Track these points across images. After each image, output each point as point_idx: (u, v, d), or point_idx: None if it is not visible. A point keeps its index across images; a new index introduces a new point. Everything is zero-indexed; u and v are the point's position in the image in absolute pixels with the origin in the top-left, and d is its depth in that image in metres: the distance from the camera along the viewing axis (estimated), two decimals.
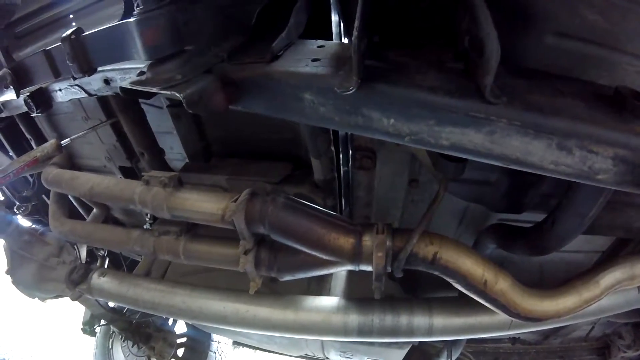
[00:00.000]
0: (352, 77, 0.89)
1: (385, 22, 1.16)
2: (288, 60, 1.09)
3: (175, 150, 2.16)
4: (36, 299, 2.20)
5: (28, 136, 2.41)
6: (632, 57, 1.03)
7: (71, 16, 2.11)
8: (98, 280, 1.85)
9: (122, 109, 1.93)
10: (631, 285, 1.38)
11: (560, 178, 0.91)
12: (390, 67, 1.00)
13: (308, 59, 1.07)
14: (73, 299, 2.00)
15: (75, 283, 1.92)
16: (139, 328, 3.18)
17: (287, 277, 1.39)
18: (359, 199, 1.71)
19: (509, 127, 0.85)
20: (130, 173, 2.33)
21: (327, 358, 2.21)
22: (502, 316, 1.33)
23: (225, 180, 1.83)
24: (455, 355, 2.12)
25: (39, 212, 2.74)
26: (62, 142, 2.02)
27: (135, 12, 1.13)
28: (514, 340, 2.92)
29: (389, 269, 1.26)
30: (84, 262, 2.14)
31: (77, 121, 2.23)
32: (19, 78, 1.79)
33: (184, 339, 3.59)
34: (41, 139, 2.38)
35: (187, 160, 2.09)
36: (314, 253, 1.28)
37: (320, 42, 1.19)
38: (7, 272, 2.12)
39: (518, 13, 1.00)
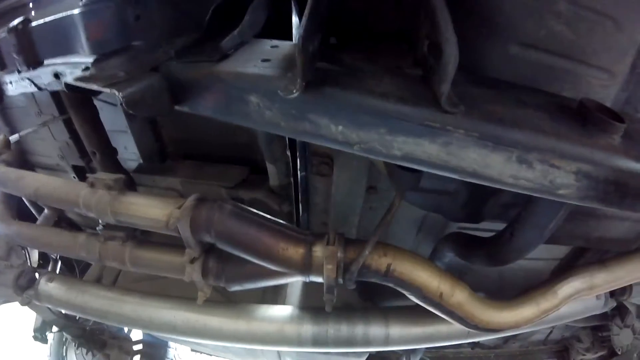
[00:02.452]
0: (296, 80, 0.81)
1: (343, 23, 1.09)
2: (237, 61, 1.02)
3: (129, 150, 2.03)
4: None
5: None
6: (597, 70, 0.99)
7: (30, 5, 1.99)
8: (46, 285, 1.71)
9: (74, 105, 1.79)
10: (590, 295, 1.34)
11: (520, 192, 0.83)
12: (343, 70, 0.93)
13: (258, 59, 0.99)
14: (22, 304, 1.85)
15: (23, 288, 1.77)
16: (93, 335, 3.02)
17: (236, 288, 1.31)
18: (316, 206, 1.64)
19: (466, 138, 0.78)
20: (83, 173, 2.18)
21: None
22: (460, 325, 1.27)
23: (179, 182, 1.75)
24: None
25: None
26: (10, 137, 1.86)
27: (82, 2, 1.09)
28: (473, 344, 2.91)
29: (341, 281, 1.18)
30: (35, 265, 1.99)
31: (30, 116, 2.08)
32: None
33: (140, 346, 3.45)
34: None
35: (141, 161, 1.98)
36: (262, 264, 1.19)
37: (275, 42, 1.11)
38: None
39: (483, 21, 0.95)
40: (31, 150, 2.31)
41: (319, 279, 1.18)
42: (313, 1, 0.77)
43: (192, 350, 2.87)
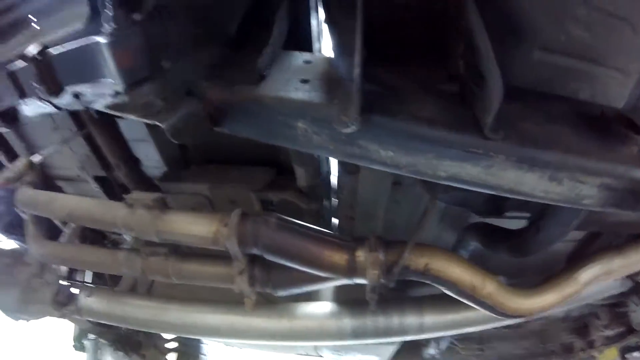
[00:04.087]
0: (351, 113, 0.89)
1: (371, 35, 1.16)
2: (276, 81, 1.08)
3: (151, 158, 2.06)
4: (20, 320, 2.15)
5: None
6: (613, 70, 1.06)
7: (30, 16, 2.01)
8: (85, 300, 1.83)
9: (93, 120, 1.85)
10: (608, 280, 1.47)
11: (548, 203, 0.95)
12: (386, 92, 1.01)
13: (297, 79, 1.06)
14: (60, 317, 1.96)
15: (62, 304, 1.88)
16: (129, 337, 3.14)
17: (282, 293, 1.41)
18: (343, 201, 1.73)
19: (505, 162, 0.89)
20: (105, 182, 2.23)
21: (320, 356, 2.27)
22: None
23: (207, 188, 1.78)
24: (443, 344, 2.20)
25: (14, 228, 2.64)
26: (33, 159, 1.91)
27: (107, 30, 1.08)
28: None
29: (383, 282, 1.29)
30: (67, 278, 2.09)
31: (46, 130, 2.11)
32: None
33: (175, 344, 3.55)
34: (8, 150, 2.28)
35: (164, 169, 2.02)
36: (308, 271, 1.30)
37: (307, 57, 1.18)
38: None
39: (509, 29, 1.01)
40: (49, 163, 2.33)
41: (363, 281, 1.29)
42: (360, 34, 0.86)
43: (226, 345, 3.00)
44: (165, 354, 3.43)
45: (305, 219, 1.45)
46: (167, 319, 1.67)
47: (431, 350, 2.02)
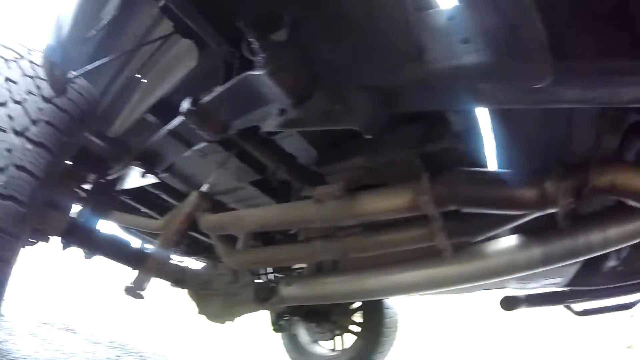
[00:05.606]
0: (544, 67, 0.95)
1: None
2: (437, 50, 1.09)
3: (300, 148, 2.11)
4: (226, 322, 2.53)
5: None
6: None
7: (138, 75, 2.24)
8: (287, 290, 2.13)
9: (244, 138, 1.94)
10: None
11: None
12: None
13: (456, 41, 1.05)
14: (264, 310, 2.30)
15: (265, 299, 2.20)
16: (318, 309, 3.53)
17: (479, 238, 1.60)
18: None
19: None
20: (263, 184, 2.37)
21: (504, 287, 2.46)
22: None
23: (365, 159, 1.85)
24: (623, 253, 2.23)
25: (190, 247, 3.04)
26: (202, 189, 2.17)
27: (259, 61, 1.16)
28: None
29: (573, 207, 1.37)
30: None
31: (195, 161, 2.25)
32: (149, 162, 2.02)
33: (359, 304, 3.86)
34: (169, 189, 2.60)
35: (314, 155, 2.10)
36: (503, 212, 1.47)
37: (447, 13, 1.09)
38: (200, 313, 2.45)
39: None
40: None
41: (555, 210, 1.38)
42: None
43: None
44: (352, 315, 3.80)
45: (465, 164, 1.58)
46: (368, 287, 1.90)
47: (611, 262, 2.09)
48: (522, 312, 2.60)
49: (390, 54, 1.19)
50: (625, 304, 2.54)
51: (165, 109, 2.18)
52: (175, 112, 2.09)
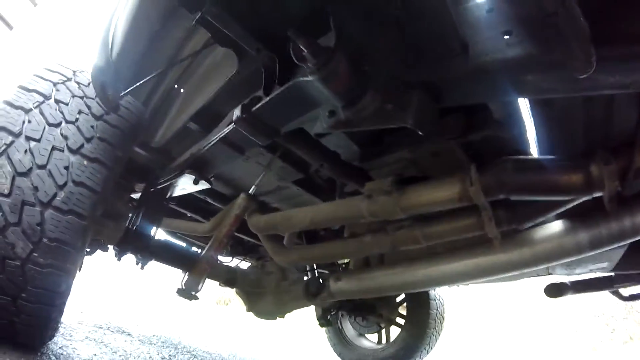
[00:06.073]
0: (586, 58, 0.98)
1: None
2: (480, 44, 1.12)
3: (342, 145, 2.07)
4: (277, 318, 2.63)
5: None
6: None
7: (176, 86, 2.33)
8: (336, 285, 2.21)
9: (290, 139, 1.96)
10: None
11: None
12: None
13: (497, 33, 1.07)
14: (313, 305, 2.38)
15: (315, 295, 2.29)
16: (364, 303, 3.62)
17: (528, 224, 1.64)
18: None
19: None
20: (306, 183, 2.43)
21: (550, 274, 2.49)
22: None
23: (408, 152, 1.85)
24: None
25: (235, 247, 3.16)
26: (250, 191, 2.26)
27: (309, 67, 1.19)
28: None
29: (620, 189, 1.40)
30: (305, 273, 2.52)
31: (239, 165, 2.29)
32: (200, 169, 2.08)
33: (403, 296, 3.98)
34: (215, 194, 2.70)
35: (356, 151, 2.07)
36: (550, 199, 1.51)
37: (486, 5, 1.08)
38: (248, 310, 2.56)
39: None
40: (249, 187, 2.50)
41: (601, 194, 1.42)
42: None
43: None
44: (398, 308, 3.87)
45: (507, 151, 1.60)
46: (417, 278, 1.96)
47: None
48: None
49: (435, 49, 1.24)
50: None
51: (206, 116, 2.30)
52: (217, 119, 2.21)
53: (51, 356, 1.79)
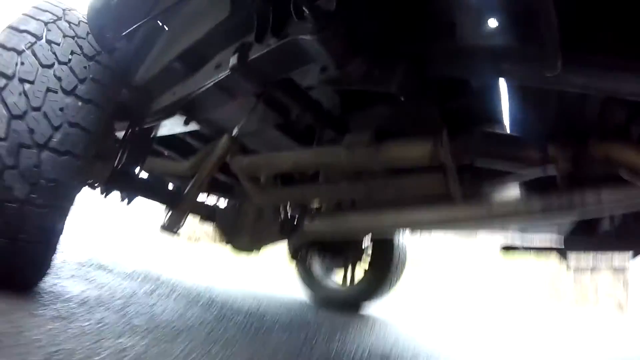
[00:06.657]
0: (554, 60, 1.08)
1: None
2: (466, 27, 1.21)
3: (324, 94, 2.15)
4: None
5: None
6: None
7: (160, 24, 2.30)
8: (311, 225, 2.36)
9: (277, 86, 1.94)
10: None
11: None
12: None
13: (485, 19, 1.16)
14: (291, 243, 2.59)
15: (289, 231, 2.46)
16: (332, 244, 3.74)
17: (488, 189, 1.83)
18: None
19: None
20: (286, 128, 2.38)
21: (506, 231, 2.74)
22: None
23: (388, 109, 1.94)
24: (617, 221, 2.36)
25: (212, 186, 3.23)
26: (233, 133, 2.25)
27: (309, 27, 1.26)
28: None
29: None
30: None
31: (220, 101, 2.22)
32: (192, 110, 2.12)
33: (368, 242, 4.14)
34: (201, 137, 2.76)
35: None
36: (511, 169, 1.69)
37: None
38: (226, 244, 2.72)
39: None
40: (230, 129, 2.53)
41: (555, 173, 1.57)
42: None
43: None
44: (363, 252, 4.11)
45: (483, 120, 1.74)
46: (385, 222, 2.11)
47: (605, 226, 2.28)
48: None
49: (425, 26, 1.34)
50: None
51: (192, 57, 2.30)
52: (203, 61, 2.22)
53: (43, 295, 1.87)
